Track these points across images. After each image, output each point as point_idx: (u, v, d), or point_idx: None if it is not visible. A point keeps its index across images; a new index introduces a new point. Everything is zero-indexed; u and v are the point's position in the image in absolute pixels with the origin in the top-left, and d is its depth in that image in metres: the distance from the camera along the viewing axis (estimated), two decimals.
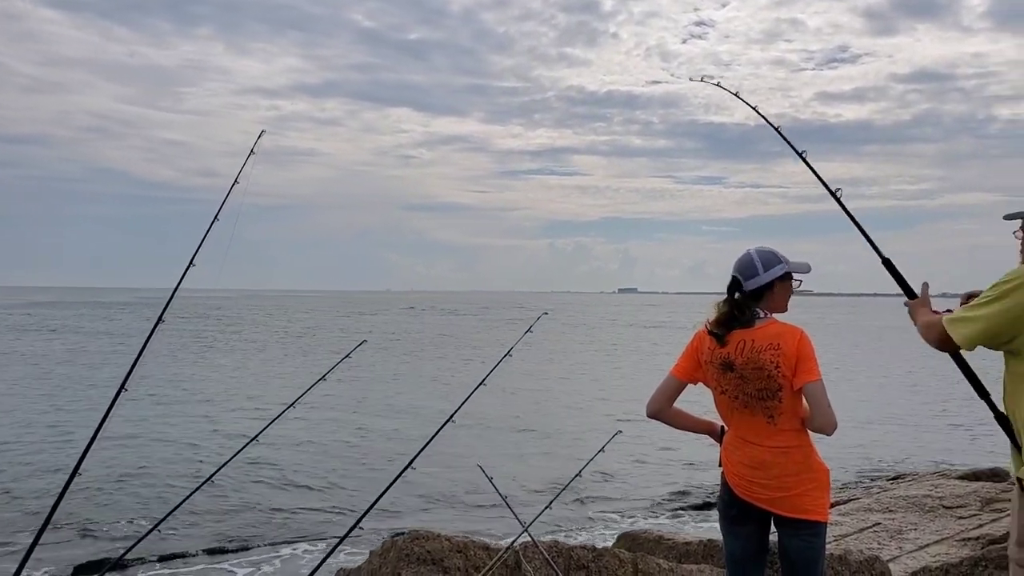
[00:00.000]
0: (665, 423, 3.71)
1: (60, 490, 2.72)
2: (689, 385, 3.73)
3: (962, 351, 3.32)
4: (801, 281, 3.69)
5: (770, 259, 3.63)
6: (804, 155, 3.95)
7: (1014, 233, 3.31)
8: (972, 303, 3.14)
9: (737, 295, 3.59)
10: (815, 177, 3.95)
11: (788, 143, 4.03)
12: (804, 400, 3.48)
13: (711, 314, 3.62)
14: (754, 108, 4.28)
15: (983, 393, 3.36)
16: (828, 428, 3.39)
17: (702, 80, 4.52)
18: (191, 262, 3.56)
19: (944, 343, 3.23)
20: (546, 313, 4.65)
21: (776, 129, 4.13)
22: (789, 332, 3.48)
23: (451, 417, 4.23)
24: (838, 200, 3.80)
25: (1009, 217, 3.32)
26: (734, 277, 3.60)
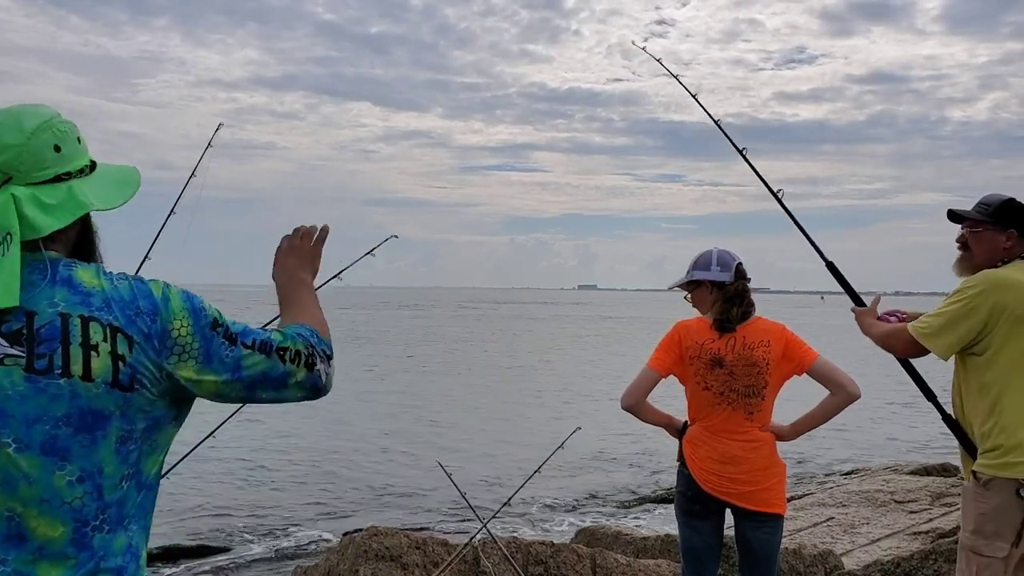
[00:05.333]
0: (636, 416, 3.72)
1: None
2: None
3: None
4: None
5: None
6: (744, 152, 3.95)
7: (957, 240, 3.40)
8: (939, 312, 3.20)
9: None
10: (758, 178, 3.95)
11: (731, 141, 4.03)
12: (814, 378, 3.50)
13: (717, 303, 3.58)
14: (701, 104, 4.22)
15: (930, 396, 3.46)
16: (857, 388, 3.43)
17: (659, 61, 4.40)
18: (147, 255, 3.52)
19: (910, 351, 3.32)
20: (395, 236, 4.23)
21: (719, 126, 4.12)
22: (775, 328, 3.56)
23: None
24: (780, 201, 3.84)
25: (953, 218, 3.39)
26: (741, 264, 3.63)
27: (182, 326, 1.47)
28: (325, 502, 11.14)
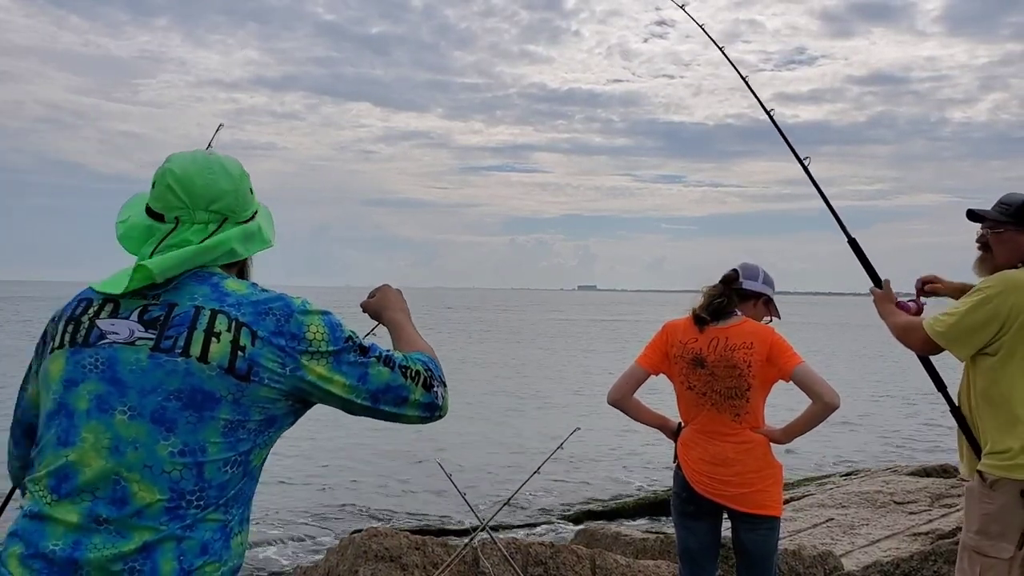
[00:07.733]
0: (623, 412, 3.73)
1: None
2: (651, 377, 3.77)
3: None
4: (771, 319, 3.76)
5: (769, 279, 3.71)
6: (772, 113, 3.92)
7: (977, 240, 3.36)
8: (955, 311, 3.18)
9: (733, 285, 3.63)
10: (785, 146, 3.86)
11: (756, 97, 3.99)
12: (797, 386, 3.48)
13: (697, 299, 3.63)
14: (720, 48, 4.19)
15: (941, 387, 3.44)
16: (835, 399, 3.40)
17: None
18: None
19: (925, 348, 3.30)
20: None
21: (743, 78, 4.08)
22: (762, 331, 3.54)
23: None
24: (806, 169, 3.75)
25: (973, 217, 3.33)
26: (734, 271, 3.66)
27: (318, 330, 1.61)
28: (325, 502, 11.13)
